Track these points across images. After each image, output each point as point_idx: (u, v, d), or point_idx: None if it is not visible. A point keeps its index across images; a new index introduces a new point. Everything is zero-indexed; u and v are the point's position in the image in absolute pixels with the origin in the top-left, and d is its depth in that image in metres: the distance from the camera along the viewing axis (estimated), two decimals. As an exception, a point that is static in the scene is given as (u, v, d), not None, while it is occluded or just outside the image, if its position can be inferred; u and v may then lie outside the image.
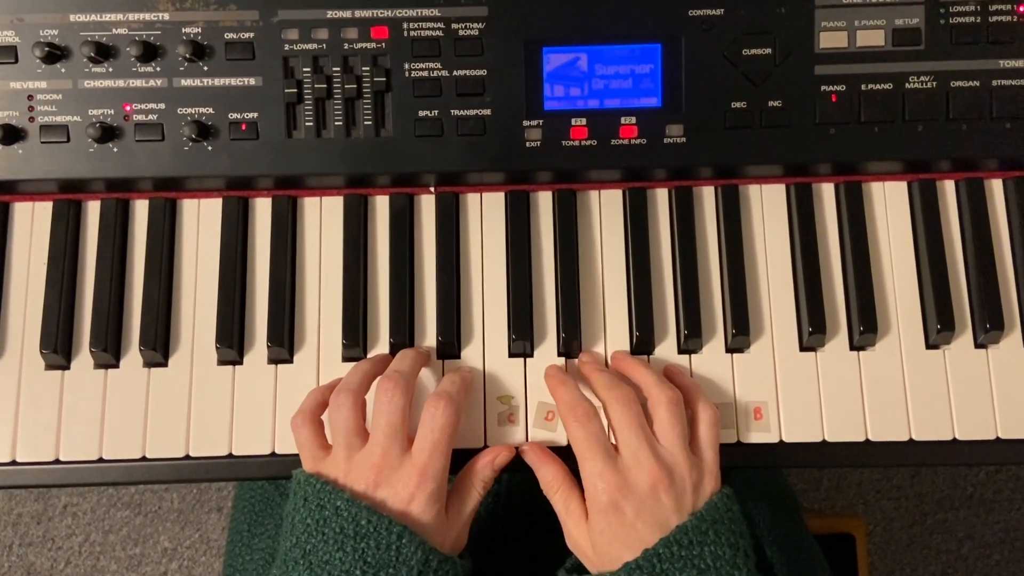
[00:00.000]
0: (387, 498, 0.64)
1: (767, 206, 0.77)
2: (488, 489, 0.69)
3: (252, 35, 0.73)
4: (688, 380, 0.72)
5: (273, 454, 0.72)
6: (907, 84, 0.73)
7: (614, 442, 0.67)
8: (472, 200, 0.77)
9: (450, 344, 0.73)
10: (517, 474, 0.72)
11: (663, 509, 0.63)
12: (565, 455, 0.70)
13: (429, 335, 0.74)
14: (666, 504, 0.64)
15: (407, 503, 0.64)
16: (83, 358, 0.74)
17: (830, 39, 0.73)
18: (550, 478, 0.68)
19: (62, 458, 0.72)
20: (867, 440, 0.72)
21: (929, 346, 0.74)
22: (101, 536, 1.68)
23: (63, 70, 0.73)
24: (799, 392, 0.73)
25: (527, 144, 0.74)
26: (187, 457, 0.72)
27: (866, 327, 0.73)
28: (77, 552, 1.68)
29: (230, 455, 0.72)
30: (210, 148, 0.73)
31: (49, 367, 0.74)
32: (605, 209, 0.77)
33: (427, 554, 0.62)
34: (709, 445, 0.68)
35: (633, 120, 0.73)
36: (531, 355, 0.74)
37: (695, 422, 0.69)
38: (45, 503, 1.68)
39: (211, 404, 0.73)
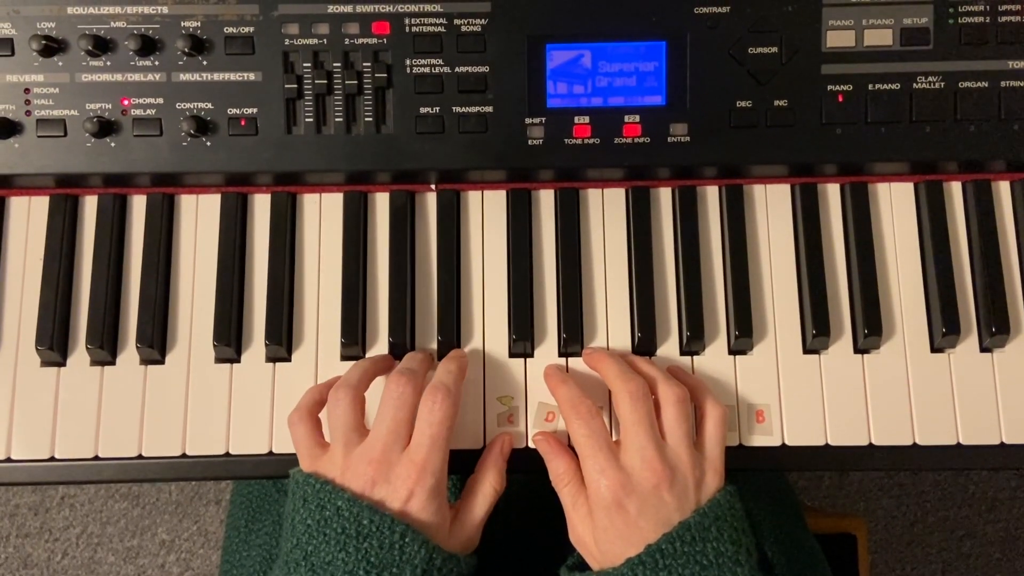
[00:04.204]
0: (386, 496, 0.63)
1: (772, 206, 0.76)
2: (502, 486, 0.69)
3: (252, 29, 0.72)
4: (695, 379, 0.72)
5: (270, 453, 0.72)
6: (915, 84, 0.72)
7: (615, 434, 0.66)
8: (473, 198, 0.76)
9: (450, 344, 0.73)
10: (517, 473, 0.71)
11: (666, 507, 0.63)
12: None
13: (429, 334, 0.74)
14: (669, 502, 0.63)
15: (406, 500, 0.63)
16: (79, 355, 0.73)
17: (837, 38, 0.72)
18: (562, 471, 0.68)
19: (57, 456, 0.71)
20: (870, 444, 0.72)
21: (934, 349, 0.73)
22: (99, 528, 1.68)
23: (60, 63, 0.72)
24: (802, 395, 0.72)
25: (529, 142, 0.73)
26: (183, 456, 0.72)
27: (870, 330, 0.72)
28: (75, 544, 1.68)
29: (227, 454, 0.72)
30: (209, 143, 0.73)
31: (45, 364, 0.73)
32: (608, 208, 0.76)
33: (431, 552, 0.62)
34: (715, 443, 0.67)
35: (637, 118, 0.73)
36: (531, 355, 0.73)
37: (702, 419, 0.69)
38: (43, 494, 1.68)
39: (208, 402, 0.72)
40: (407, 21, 0.72)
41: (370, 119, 0.73)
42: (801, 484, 1.69)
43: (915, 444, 0.72)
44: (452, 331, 0.73)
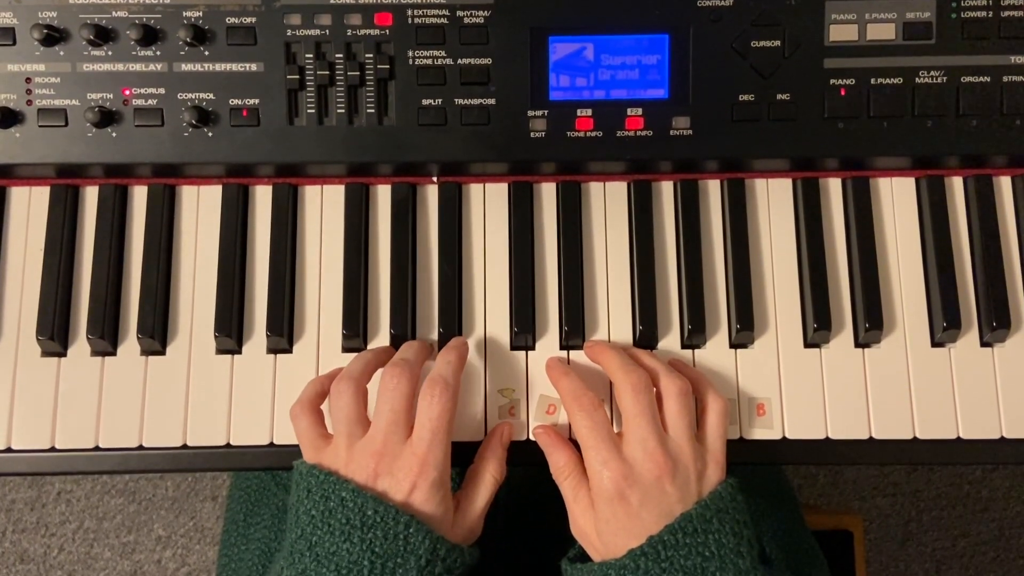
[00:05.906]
0: (389, 488, 0.63)
1: (773, 200, 0.76)
2: (503, 475, 0.69)
3: (254, 20, 0.72)
4: (696, 372, 0.72)
5: (271, 445, 0.72)
6: (917, 79, 0.72)
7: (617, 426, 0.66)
8: (475, 191, 0.76)
9: (451, 336, 0.72)
10: (518, 467, 0.71)
11: (668, 499, 0.63)
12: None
13: (430, 326, 0.73)
14: (671, 494, 0.63)
15: (409, 492, 0.63)
16: (80, 345, 0.73)
17: (840, 32, 0.72)
18: (562, 464, 0.68)
19: (58, 446, 0.71)
20: (871, 438, 0.72)
21: (935, 344, 0.73)
22: (95, 523, 1.68)
23: (62, 53, 0.72)
24: (803, 389, 0.72)
25: (531, 134, 0.73)
26: (184, 447, 0.71)
27: (871, 324, 0.72)
28: (71, 539, 1.68)
29: (228, 445, 0.71)
30: (210, 134, 0.72)
31: (45, 354, 0.73)
32: (610, 201, 0.76)
33: (435, 543, 0.62)
34: (717, 435, 0.68)
35: (639, 111, 0.73)
36: (533, 348, 0.73)
37: (704, 412, 0.69)
38: (39, 489, 1.68)
39: (209, 393, 0.72)
40: (409, 12, 0.72)
41: (372, 111, 0.72)
42: (796, 482, 1.69)
43: (915, 438, 0.72)
44: (453, 323, 0.73)
